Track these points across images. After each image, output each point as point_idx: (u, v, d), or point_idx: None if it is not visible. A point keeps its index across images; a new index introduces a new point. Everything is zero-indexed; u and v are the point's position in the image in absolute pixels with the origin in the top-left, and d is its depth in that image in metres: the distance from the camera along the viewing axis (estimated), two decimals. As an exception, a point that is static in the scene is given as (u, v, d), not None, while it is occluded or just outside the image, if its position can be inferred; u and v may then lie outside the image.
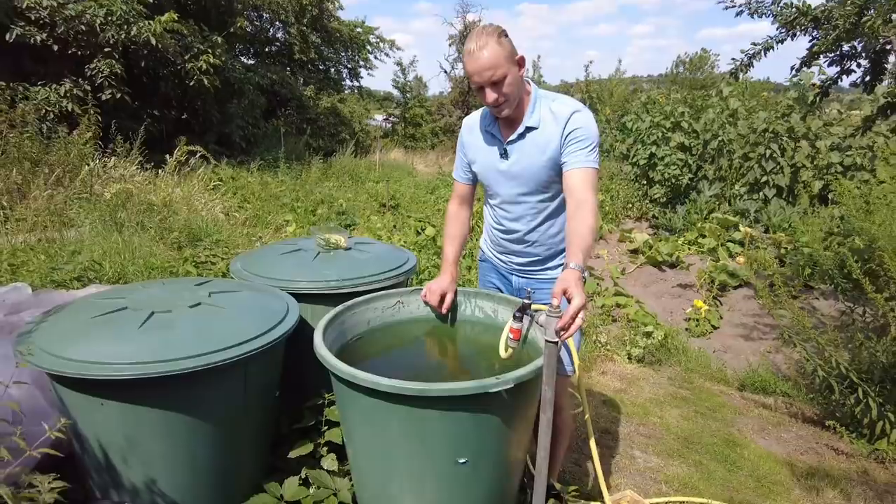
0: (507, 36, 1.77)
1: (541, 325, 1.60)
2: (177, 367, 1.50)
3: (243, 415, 1.77)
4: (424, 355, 2.12)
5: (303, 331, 1.96)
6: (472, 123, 2.07)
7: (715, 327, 4.92)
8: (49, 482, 1.06)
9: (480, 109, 2.05)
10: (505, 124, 1.94)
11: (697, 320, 4.88)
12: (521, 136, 1.89)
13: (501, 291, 2.20)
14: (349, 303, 1.98)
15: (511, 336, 1.78)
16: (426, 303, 2.10)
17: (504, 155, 1.94)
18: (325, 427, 2.00)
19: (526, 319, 1.79)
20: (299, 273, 2.25)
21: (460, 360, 2.12)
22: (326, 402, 2.04)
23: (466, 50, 1.76)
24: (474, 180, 2.14)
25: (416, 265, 2.56)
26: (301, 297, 2.15)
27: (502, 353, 1.80)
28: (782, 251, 6.29)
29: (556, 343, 1.49)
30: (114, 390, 1.51)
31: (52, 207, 4.77)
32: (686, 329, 4.86)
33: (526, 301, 1.75)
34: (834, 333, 3.27)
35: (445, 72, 21.54)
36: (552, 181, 1.91)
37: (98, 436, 1.59)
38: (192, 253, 4.10)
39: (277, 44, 17.05)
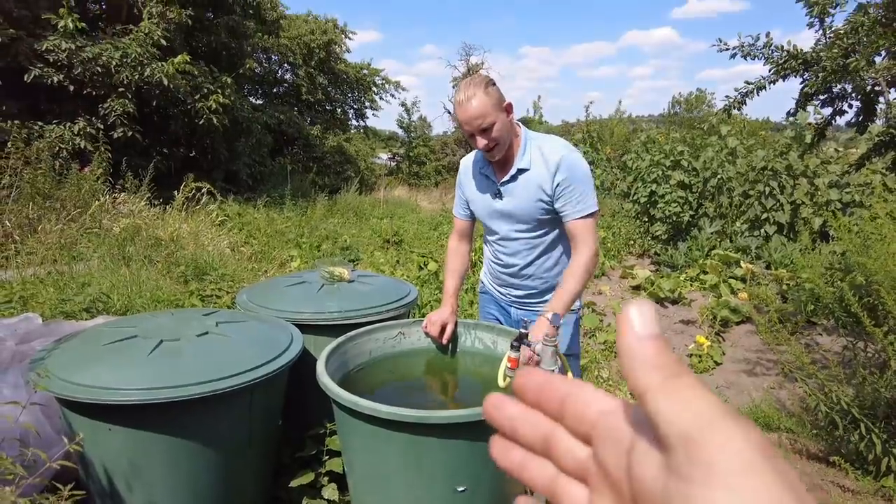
0: (494, 85, 1.88)
1: (537, 355, 1.64)
2: (184, 393, 1.54)
3: (247, 443, 1.80)
4: (424, 385, 2.15)
5: (306, 361, 2.01)
6: (468, 164, 2.17)
7: (718, 363, 4.91)
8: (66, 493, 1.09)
9: (474, 152, 2.15)
10: (498, 166, 2.03)
11: (700, 356, 4.88)
12: (514, 177, 1.99)
13: (501, 322, 2.25)
14: (351, 333, 2.02)
15: (509, 366, 1.81)
16: (427, 334, 2.15)
17: (498, 195, 2.04)
18: (327, 457, 2.01)
19: (524, 349, 1.83)
20: (303, 305, 2.30)
21: (460, 390, 2.15)
22: (328, 431, 2.06)
23: (456, 101, 1.88)
24: (473, 216, 2.23)
25: (418, 298, 2.62)
26: (305, 328, 2.20)
27: (501, 383, 1.83)
28: (784, 287, 6.31)
29: (552, 372, 1.52)
30: (121, 415, 1.55)
31: (62, 241, 4.86)
32: (689, 365, 4.85)
33: (522, 331, 1.79)
34: (837, 369, 3.27)
35: (449, 112, 22.01)
36: (544, 219, 2.00)
37: (104, 461, 1.61)
38: (198, 287, 4.17)
39: (286, 85, 17.52)
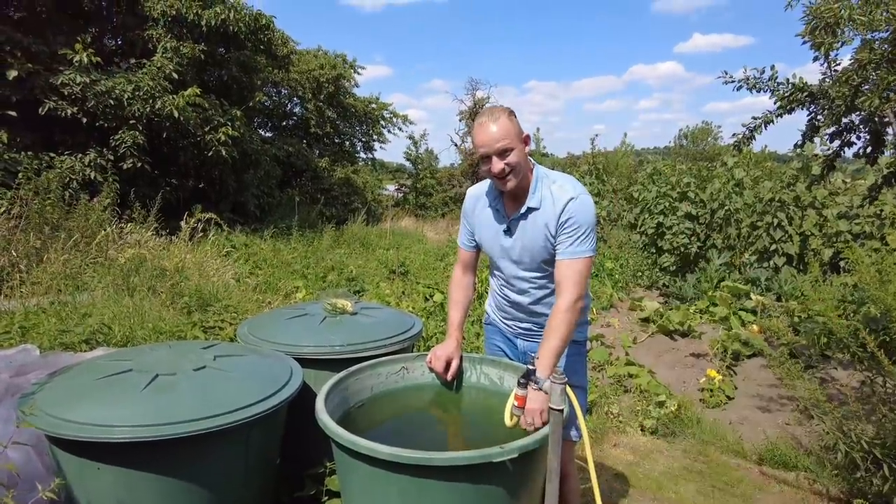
0: (515, 116, 1.88)
1: (545, 393, 1.58)
2: (177, 431, 1.48)
3: (243, 482, 1.73)
4: (428, 424, 2.07)
5: (306, 396, 1.94)
6: (477, 195, 2.11)
7: (730, 398, 4.78)
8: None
9: (485, 182, 2.09)
10: (509, 200, 1.98)
11: (711, 390, 4.75)
12: (524, 215, 1.94)
13: (507, 354, 2.19)
14: (352, 368, 1.96)
15: (516, 404, 1.74)
16: (431, 369, 2.09)
17: (508, 232, 1.98)
18: (326, 497, 1.93)
19: (531, 386, 1.76)
20: (304, 338, 2.25)
21: (464, 428, 2.07)
22: (327, 470, 1.99)
23: (478, 123, 1.85)
24: (478, 247, 2.18)
25: (422, 330, 2.56)
26: (306, 362, 2.15)
27: (507, 422, 1.76)
28: (795, 319, 6.19)
29: (561, 411, 1.46)
30: (111, 454, 1.49)
31: (67, 271, 4.85)
32: (700, 400, 4.72)
33: (530, 367, 1.73)
34: (855, 405, 3.16)
35: (456, 145, 22.25)
36: (551, 260, 1.95)
37: (92, 502, 1.55)
38: (202, 318, 4.12)
39: (295, 118, 17.82)
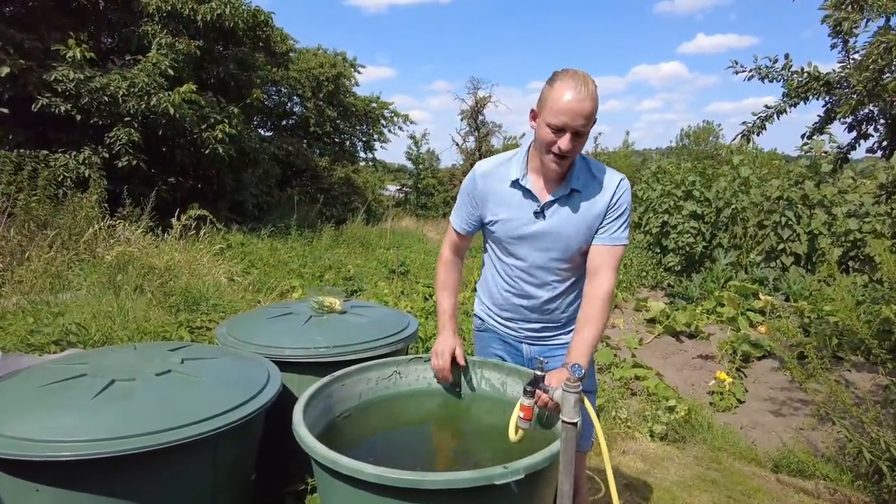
0: None
1: (556, 402, 1.38)
2: (130, 446, 1.29)
3: (209, 502, 1.53)
4: (422, 437, 1.87)
5: (287, 403, 1.74)
6: (489, 171, 1.82)
7: (740, 401, 4.59)
8: None
9: (497, 157, 1.85)
10: (546, 181, 1.74)
11: (721, 394, 4.56)
12: (566, 197, 1.72)
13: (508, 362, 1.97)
14: (338, 373, 1.76)
15: (522, 415, 1.53)
16: (436, 373, 1.87)
17: (540, 215, 1.74)
18: (307, 517, 1.74)
19: (539, 395, 1.55)
20: (287, 339, 2.05)
21: (463, 442, 1.86)
22: (309, 487, 1.79)
23: (566, 86, 1.57)
24: (474, 231, 1.94)
25: (418, 330, 2.36)
26: (287, 366, 1.95)
27: (512, 436, 1.55)
28: (805, 320, 6.00)
29: (574, 424, 1.26)
30: (51, 473, 1.29)
31: (52, 270, 4.67)
32: (710, 403, 4.53)
33: (538, 373, 1.52)
34: (876, 409, 2.97)
35: (457, 144, 22.08)
36: (584, 251, 1.76)
37: (34, 528, 1.35)
38: (188, 317, 3.94)
39: (294, 117, 17.64)
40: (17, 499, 1.32)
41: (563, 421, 1.27)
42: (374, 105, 19.76)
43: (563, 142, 1.60)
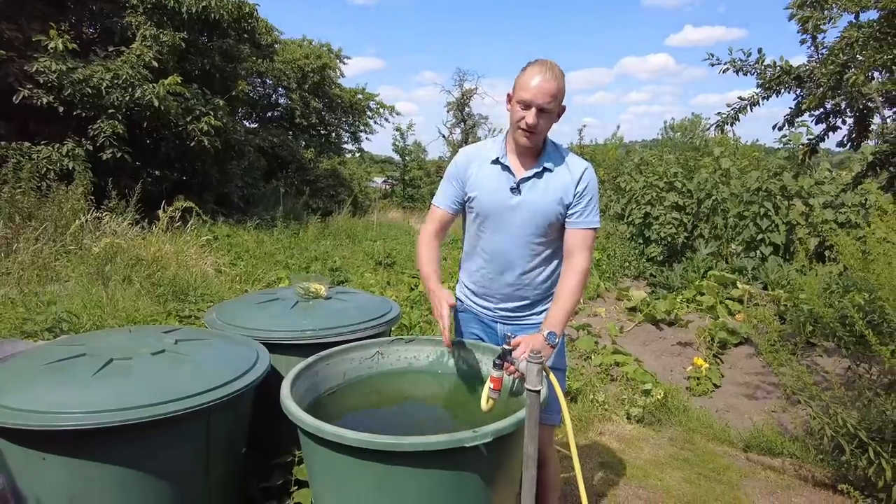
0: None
1: (521, 373, 1.50)
2: (130, 417, 1.38)
3: (203, 472, 1.63)
4: (402, 411, 1.98)
5: (275, 383, 1.83)
6: (473, 153, 2.03)
7: (716, 386, 4.75)
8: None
9: (482, 143, 2.06)
10: (522, 157, 1.95)
11: (698, 378, 4.72)
12: (538, 175, 1.92)
13: (484, 341, 2.09)
14: (323, 353, 1.87)
15: (492, 387, 1.66)
16: (441, 328, 1.85)
17: (516, 190, 1.93)
18: (295, 487, 1.85)
19: (506, 366, 1.68)
20: (275, 322, 2.15)
21: (440, 414, 1.99)
22: (296, 459, 1.90)
23: (534, 70, 1.80)
24: (458, 211, 2.06)
25: (400, 315, 2.47)
26: (276, 348, 2.05)
27: (484, 406, 1.68)
28: (781, 308, 6.18)
29: (537, 392, 1.38)
30: (58, 443, 1.38)
31: (39, 262, 4.71)
32: (687, 388, 4.69)
33: (506, 347, 1.65)
34: (840, 391, 3.13)
35: (444, 136, 22.15)
36: (554, 226, 1.94)
37: (39, 496, 1.45)
38: (177, 307, 4.01)
39: (280, 109, 17.58)
40: (26, 467, 1.41)
41: (527, 389, 1.39)
42: (360, 96, 19.74)
43: (530, 116, 1.80)
